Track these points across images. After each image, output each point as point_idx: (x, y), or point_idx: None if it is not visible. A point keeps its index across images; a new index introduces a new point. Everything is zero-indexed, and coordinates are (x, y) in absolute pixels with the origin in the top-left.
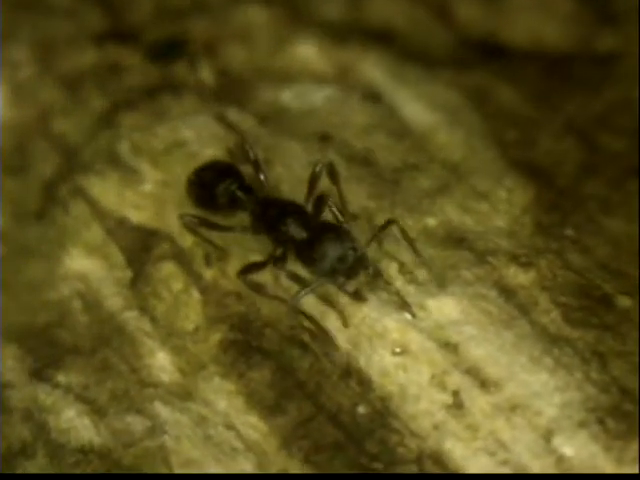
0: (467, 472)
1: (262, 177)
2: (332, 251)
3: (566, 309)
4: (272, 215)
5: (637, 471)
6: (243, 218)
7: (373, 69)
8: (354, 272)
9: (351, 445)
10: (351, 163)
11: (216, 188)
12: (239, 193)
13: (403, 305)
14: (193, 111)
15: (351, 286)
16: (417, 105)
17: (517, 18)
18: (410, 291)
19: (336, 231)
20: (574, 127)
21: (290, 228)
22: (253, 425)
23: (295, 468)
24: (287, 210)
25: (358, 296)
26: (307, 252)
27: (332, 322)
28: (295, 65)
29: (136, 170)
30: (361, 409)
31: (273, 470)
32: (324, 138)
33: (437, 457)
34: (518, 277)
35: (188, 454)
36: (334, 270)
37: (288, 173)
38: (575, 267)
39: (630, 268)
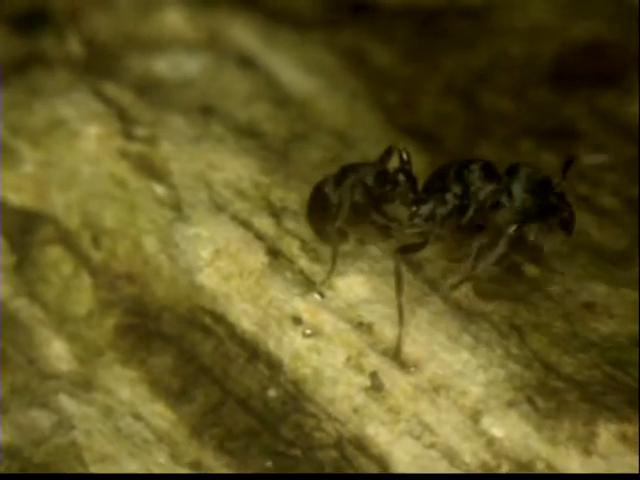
0: (392, 456)
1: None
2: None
3: (476, 281)
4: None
5: (571, 451)
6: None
7: (244, 34)
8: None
9: (265, 431)
10: (238, 135)
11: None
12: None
13: (310, 285)
14: (68, 86)
15: None
16: (294, 70)
17: None
18: (316, 270)
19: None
20: (455, 86)
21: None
22: (160, 414)
23: (209, 457)
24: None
25: None
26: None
27: (236, 305)
28: (164, 32)
29: (15, 150)
30: (272, 393)
31: (186, 461)
32: (207, 110)
33: (358, 441)
34: (423, 250)
35: (102, 449)
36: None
37: (177, 150)
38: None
39: None
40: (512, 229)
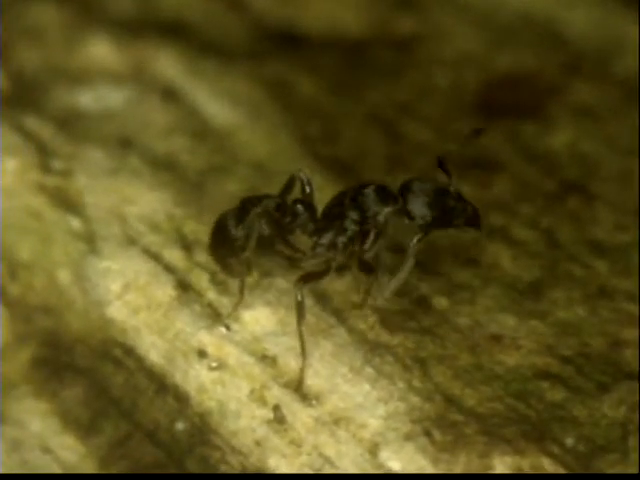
0: None
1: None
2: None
3: (384, 313)
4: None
5: None
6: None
7: (169, 66)
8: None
9: (171, 464)
10: (155, 168)
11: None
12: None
13: (217, 317)
14: None
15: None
16: (217, 102)
17: (312, 6)
18: (224, 303)
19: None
20: (378, 117)
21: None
22: (70, 446)
23: None
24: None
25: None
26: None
27: (144, 338)
28: (91, 65)
29: None
30: (179, 425)
31: None
32: (125, 143)
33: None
34: (333, 282)
35: None
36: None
37: (93, 183)
38: (390, 267)
39: (445, 267)
40: (416, 240)
